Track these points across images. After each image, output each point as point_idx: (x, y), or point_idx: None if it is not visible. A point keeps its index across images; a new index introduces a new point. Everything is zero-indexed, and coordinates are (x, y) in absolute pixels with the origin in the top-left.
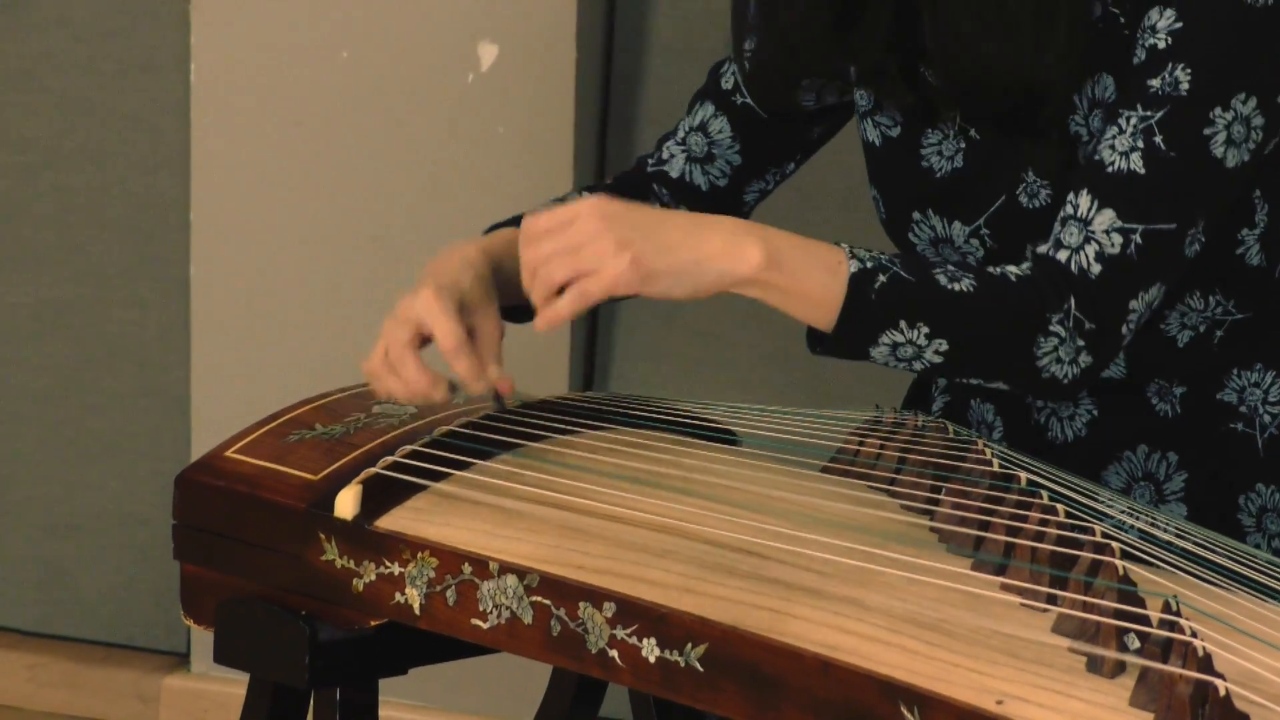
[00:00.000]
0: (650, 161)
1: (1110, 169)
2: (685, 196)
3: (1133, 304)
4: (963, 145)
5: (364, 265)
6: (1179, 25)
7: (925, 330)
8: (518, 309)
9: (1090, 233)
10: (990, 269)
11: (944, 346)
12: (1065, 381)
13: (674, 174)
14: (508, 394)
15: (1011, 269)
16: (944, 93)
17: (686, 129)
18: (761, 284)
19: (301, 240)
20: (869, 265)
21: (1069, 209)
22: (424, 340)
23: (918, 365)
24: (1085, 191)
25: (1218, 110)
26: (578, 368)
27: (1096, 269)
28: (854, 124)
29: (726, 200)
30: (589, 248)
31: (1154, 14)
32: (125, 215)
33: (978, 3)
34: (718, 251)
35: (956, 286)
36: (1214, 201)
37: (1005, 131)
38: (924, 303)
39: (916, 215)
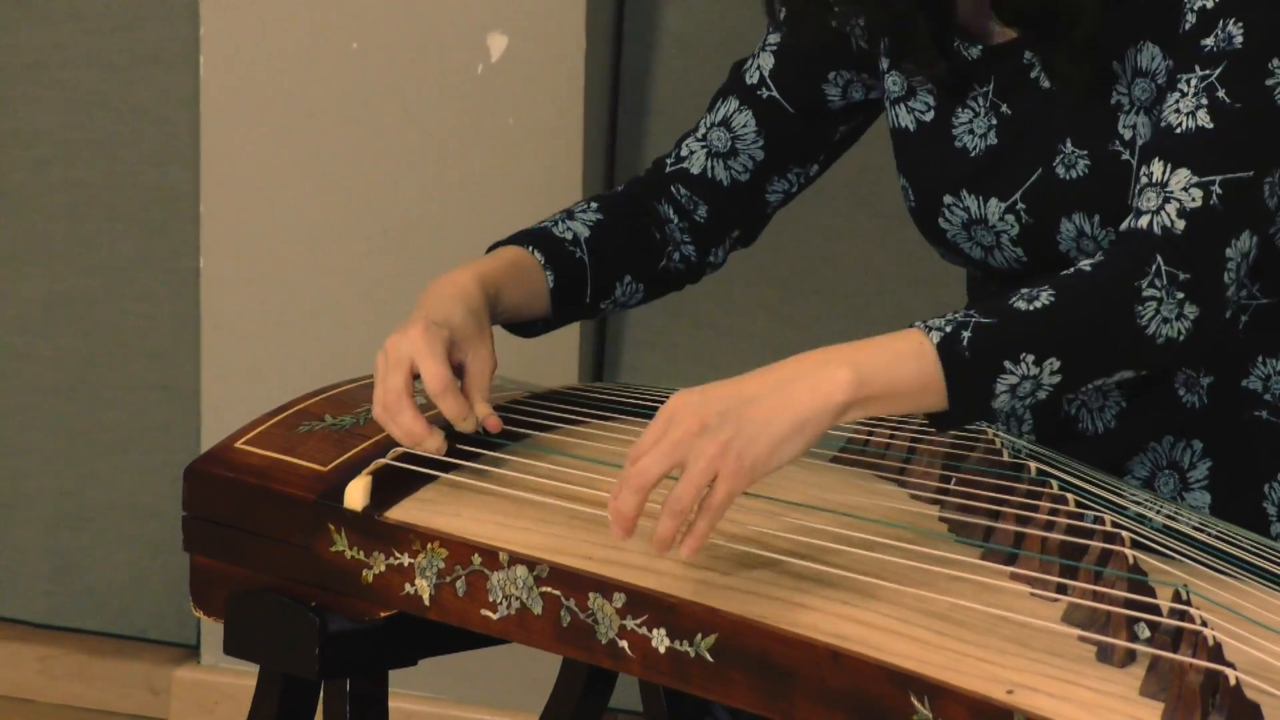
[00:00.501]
0: (669, 161)
1: (1179, 130)
2: (706, 193)
3: (1228, 251)
4: (995, 122)
5: (374, 257)
6: None
7: (1030, 359)
8: (529, 324)
9: (1169, 194)
10: (1064, 273)
11: (1056, 364)
12: (1182, 339)
13: (695, 170)
14: (495, 431)
15: (1085, 262)
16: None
17: (708, 125)
18: (861, 402)
19: (311, 233)
20: (949, 330)
21: (1143, 179)
22: (417, 376)
23: (1042, 394)
24: (1157, 159)
25: (1275, 61)
26: (587, 359)
27: (1181, 224)
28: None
29: (748, 197)
30: (695, 465)
31: None
32: (136, 208)
33: None
34: (808, 399)
35: (1037, 304)
36: None
37: (1039, 36)
38: (1016, 335)
39: (948, 199)
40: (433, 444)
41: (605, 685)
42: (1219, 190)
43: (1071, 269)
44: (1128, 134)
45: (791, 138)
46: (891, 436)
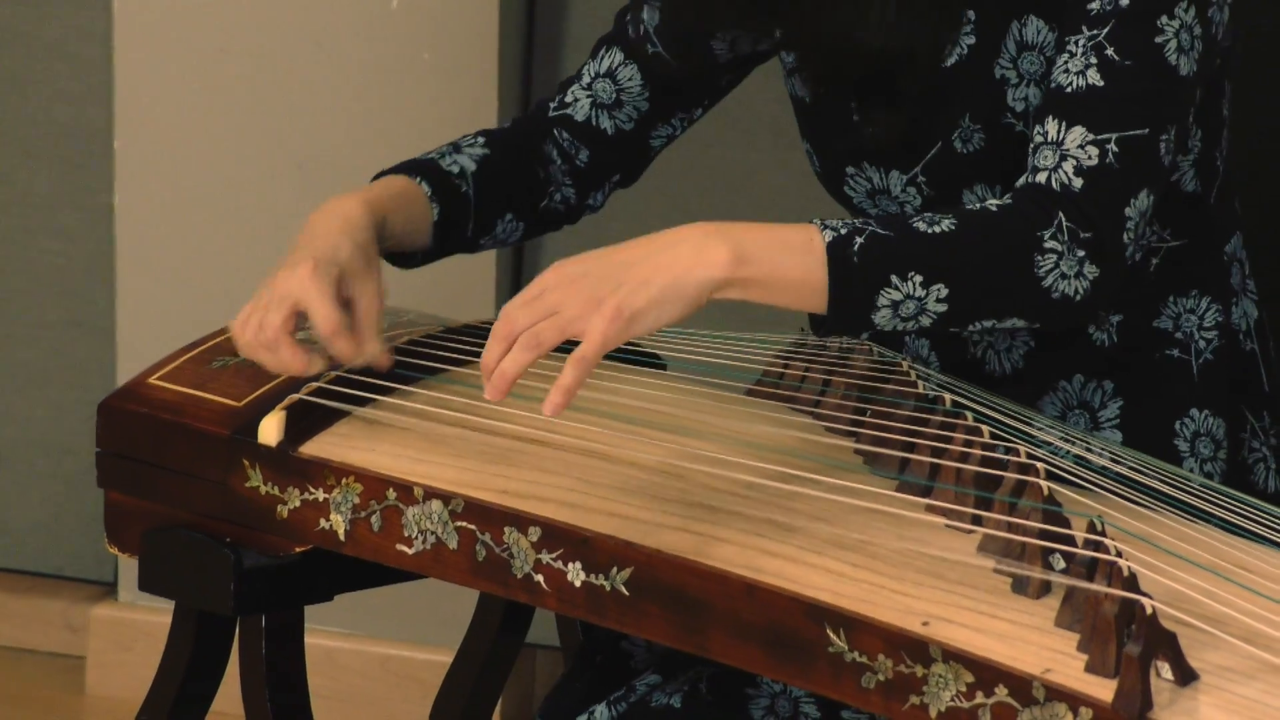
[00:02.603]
0: (552, 106)
1: (1069, 89)
2: (589, 140)
3: (1127, 210)
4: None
5: (290, 193)
6: None
7: (918, 279)
8: (409, 255)
9: (1065, 151)
10: (969, 206)
11: (944, 291)
12: (1079, 298)
13: (579, 118)
14: (386, 368)
15: (991, 201)
16: (801, 61)
17: (592, 74)
18: (740, 282)
19: (227, 168)
20: (844, 232)
21: (1038, 138)
22: (302, 317)
23: (925, 320)
24: (1050, 118)
25: (1164, 19)
26: (503, 292)
27: (1079, 182)
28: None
29: (632, 144)
30: (567, 311)
31: None
32: (49, 145)
33: None
34: (687, 264)
35: (937, 228)
36: (1178, 108)
37: (861, 98)
38: (909, 252)
39: (850, 169)
40: (314, 368)
41: (522, 620)
42: (1115, 148)
43: (978, 204)
44: (1019, 106)
45: (677, 89)
46: (806, 369)
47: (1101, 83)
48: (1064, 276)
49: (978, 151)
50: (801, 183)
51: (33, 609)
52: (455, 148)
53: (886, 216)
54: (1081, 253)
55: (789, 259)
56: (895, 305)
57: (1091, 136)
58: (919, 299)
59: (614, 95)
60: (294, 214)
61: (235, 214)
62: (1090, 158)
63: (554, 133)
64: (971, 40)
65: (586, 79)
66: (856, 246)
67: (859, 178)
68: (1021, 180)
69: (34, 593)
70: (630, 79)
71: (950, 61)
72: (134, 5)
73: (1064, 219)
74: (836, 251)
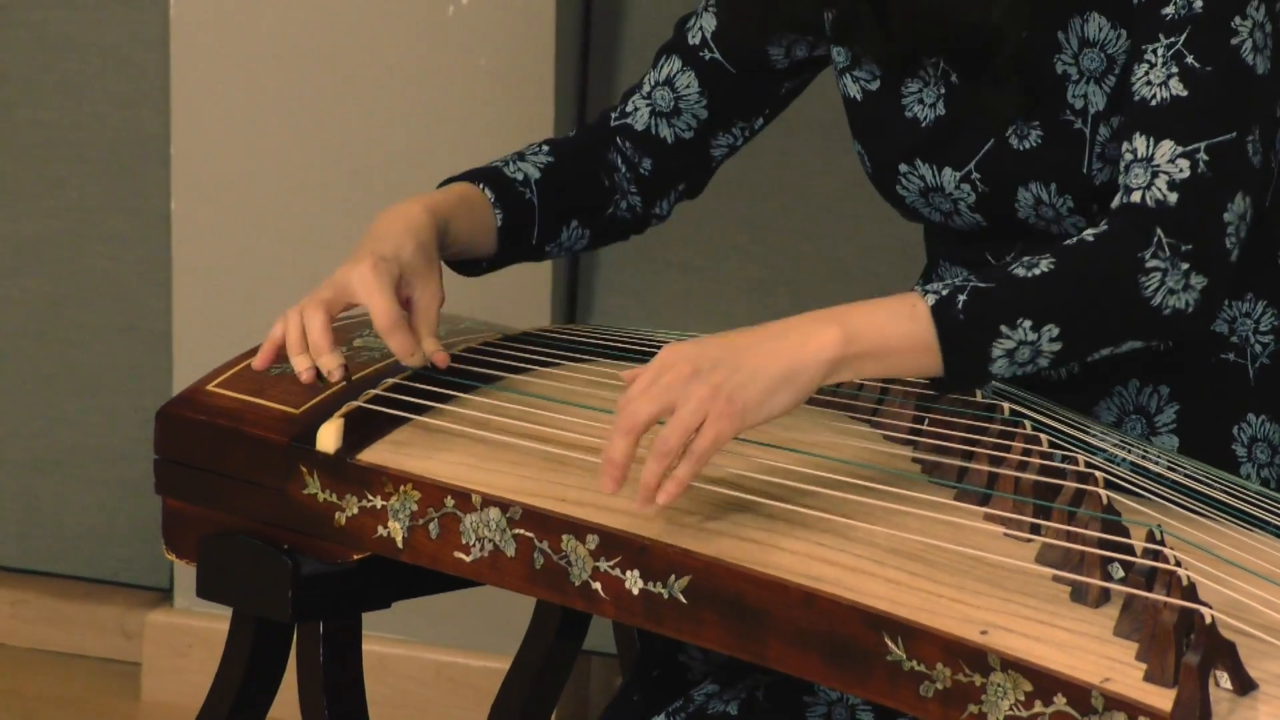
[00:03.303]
0: (614, 115)
1: (1154, 102)
2: (650, 150)
3: (1225, 216)
4: (944, 91)
5: (345, 199)
6: None
7: (1028, 324)
8: (474, 262)
9: (1155, 168)
10: (1066, 242)
11: (1055, 331)
12: (1190, 309)
13: (639, 127)
14: (443, 367)
15: (1088, 231)
16: (900, 36)
17: (652, 83)
18: (851, 359)
19: (282, 174)
20: (945, 293)
21: (1127, 156)
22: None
23: (1043, 361)
24: (1138, 134)
25: (1237, 20)
26: (560, 300)
27: (1173, 196)
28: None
29: (693, 153)
30: (685, 406)
31: None
32: (105, 150)
33: None
34: (798, 350)
35: (1036, 271)
36: (1261, 108)
37: (966, 75)
38: (1013, 299)
39: (904, 167)
40: (331, 361)
41: (579, 628)
42: (1205, 157)
43: (1074, 238)
44: (1079, 103)
45: (736, 97)
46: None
47: (1185, 92)
48: (1171, 292)
49: (1035, 149)
50: (853, 189)
51: (88, 615)
52: (519, 156)
53: (985, 271)
54: (1185, 265)
55: (895, 327)
56: (1010, 353)
57: (1181, 149)
58: (1032, 343)
59: (672, 103)
60: (349, 221)
61: (290, 220)
62: (1182, 170)
63: (617, 141)
64: (1024, 31)
65: (646, 88)
66: (960, 304)
67: (911, 175)
68: (1116, 200)
69: (89, 598)
70: (688, 86)
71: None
72: (190, 10)
73: (1162, 235)
74: (942, 312)
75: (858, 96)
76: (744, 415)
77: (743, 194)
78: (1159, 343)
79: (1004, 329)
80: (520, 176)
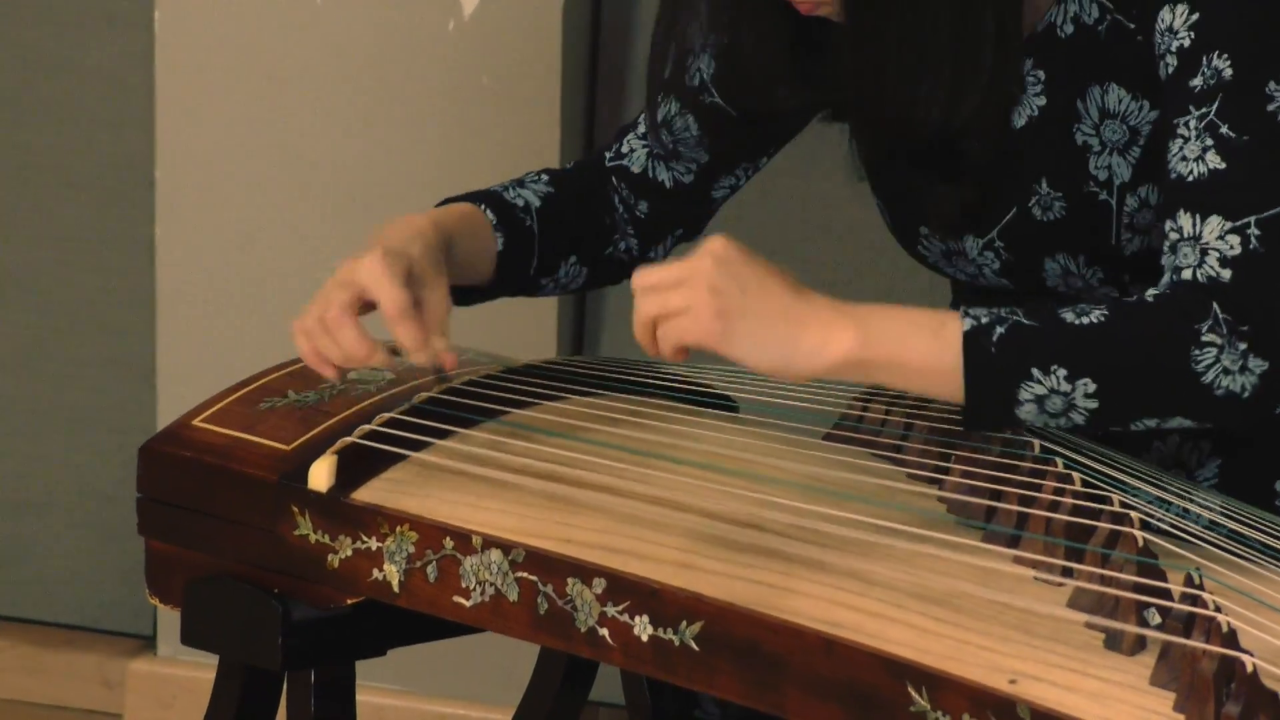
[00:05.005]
0: (609, 155)
1: (1191, 179)
2: (647, 193)
3: None
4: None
5: (340, 225)
6: (1196, 16)
7: (1063, 373)
8: (467, 290)
9: (1205, 246)
10: (1124, 298)
11: (1091, 387)
12: (1246, 394)
13: (635, 170)
14: (451, 368)
15: (1149, 291)
16: (861, 134)
17: (649, 124)
18: (862, 365)
19: (273, 200)
20: (984, 321)
21: (1172, 235)
22: (365, 307)
23: (1077, 417)
24: (1181, 212)
25: (1271, 85)
26: (566, 331)
27: (1227, 274)
28: None
29: (693, 197)
30: (682, 295)
31: (1165, 15)
32: (87, 174)
33: (896, 44)
34: (805, 347)
35: (1086, 319)
36: None
37: (927, 170)
38: (1052, 344)
39: (924, 229)
40: (377, 358)
41: (585, 676)
42: (1256, 231)
43: (1134, 295)
44: (1102, 175)
45: (739, 140)
46: (887, 412)
47: (1224, 165)
48: (1227, 372)
49: (1059, 220)
50: (877, 220)
51: (67, 664)
52: (519, 183)
53: (1034, 306)
54: (1243, 345)
55: (916, 341)
56: (1040, 400)
57: (1230, 225)
58: (1065, 394)
59: (671, 146)
60: (343, 248)
61: (283, 248)
62: (1232, 247)
63: (613, 181)
64: (1042, 101)
65: (642, 128)
66: (996, 336)
67: (932, 239)
68: (1166, 279)
69: (69, 646)
70: (686, 130)
71: (1020, 123)
72: (177, 29)
73: (1219, 310)
74: (974, 341)
75: (872, 159)
76: (721, 343)
77: (761, 222)
78: (1211, 425)
79: (1036, 373)
80: (521, 203)
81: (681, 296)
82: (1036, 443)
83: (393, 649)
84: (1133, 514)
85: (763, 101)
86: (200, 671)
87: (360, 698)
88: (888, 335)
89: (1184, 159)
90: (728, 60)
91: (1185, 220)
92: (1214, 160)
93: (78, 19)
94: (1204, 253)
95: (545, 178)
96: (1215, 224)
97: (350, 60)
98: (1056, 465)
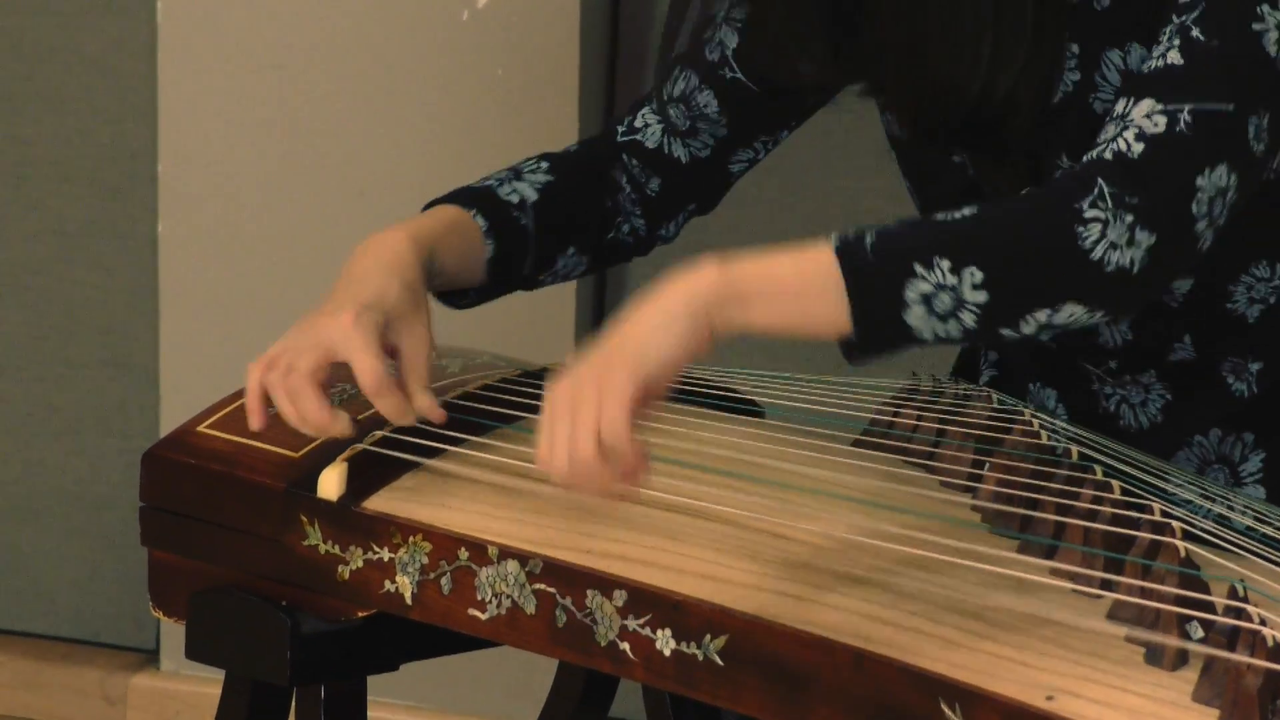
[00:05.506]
0: (621, 130)
1: (1145, 71)
2: (661, 169)
3: (1198, 180)
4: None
5: (350, 221)
6: None
7: (945, 265)
8: (460, 293)
9: (1128, 121)
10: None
11: (979, 277)
12: (1135, 269)
13: (650, 145)
14: (440, 423)
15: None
16: (897, 109)
17: (665, 98)
18: (733, 300)
19: (280, 196)
20: (851, 235)
21: (1107, 122)
22: (332, 370)
23: (968, 317)
24: (1120, 99)
25: (1265, 7)
26: (584, 333)
27: (1139, 148)
28: None
29: (709, 172)
30: (580, 412)
31: None
32: (86, 167)
33: (937, 12)
34: (669, 295)
35: (957, 215)
36: (1273, 96)
37: (968, 148)
38: (929, 238)
39: None
40: (338, 428)
41: (605, 692)
42: (1188, 118)
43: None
44: None
45: (759, 115)
46: (919, 418)
47: (1181, 61)
48: (1114, 246)
49: None
50: (902, 205)
51: (66, 678)
52: (515, 173)
53: (900, 219)
54: (1130, 218)
55: (786, 268)
56: (928, 299)
57: (1160, 106)
58: (953, 288)
59: (688, 123)
60: (354, 244)
61: (290, 244)
62: (1156, 125)
63: (623, 158)
64: (1076, 76)
65: (658, 103)
66: (869, 243)
67: None
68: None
69: (68, 660)
70: (706, 105)
71: (1056, 99)
72: (180, 16)
73: (1104, 184)
74: (848, 250)
75: (900, 135)
76: (629, 366)
77: (786, 208)
78: (1104, 313)
79: (918, 267)
80: (516, 199)
81: (575, 404)
82: (1075, 449)
83: (405, 664)
84: (1174, 523)
85: (790, 75)
86: (205, 687)
87: (372, 714)
88: (754, 268)
89: (1150, 58)
90: (755, 32)
91: (1120, 103)
92: (1174, 57)
93: (77, 6)
94: (1124, 128)
95: (545, 165)
96: (1147, 105)
97: (360, 51)
98: (1095, 473)
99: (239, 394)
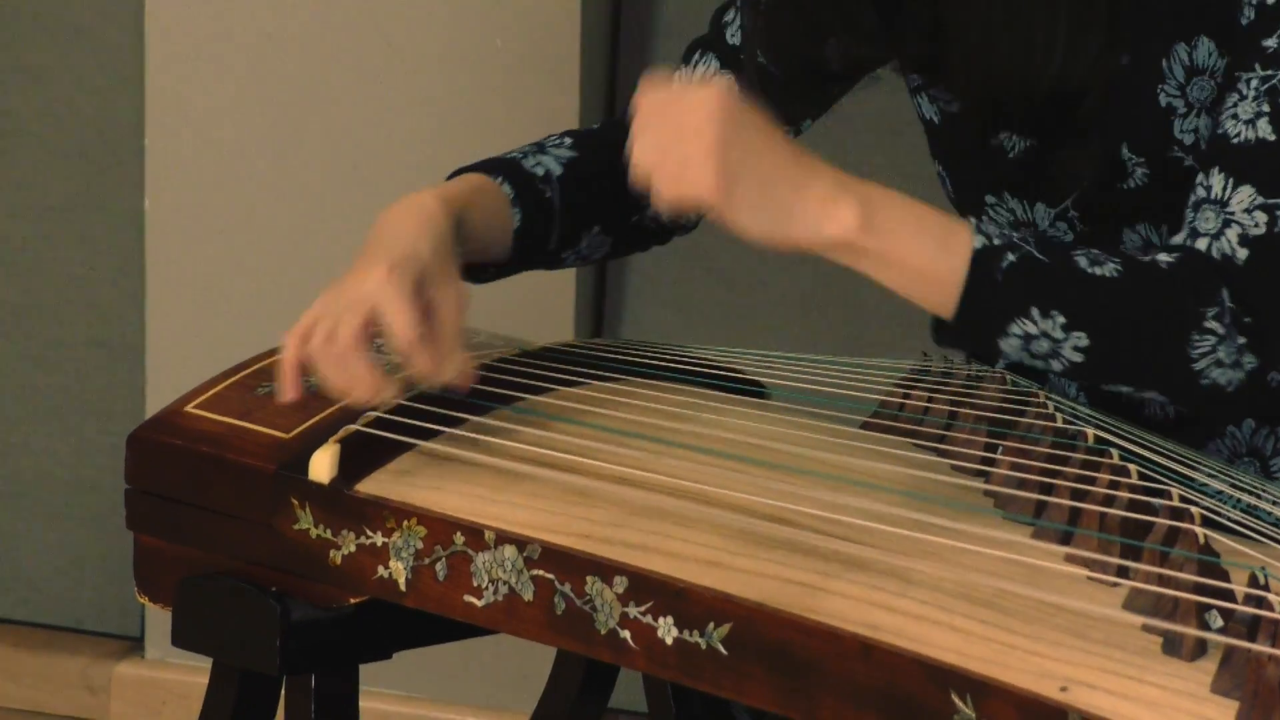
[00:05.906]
0: None
1: (1236, 140)
2: None
3: None
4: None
5: (343, 198)
6: None
7: (1061, 321)
8: (482, 266)
9: (1229, 215)
10: (1140, 255)
11: (1083, 341)
12: (1230, 389)
13: None
14: (466, 389)
15: (1162, 255)
16: (958, 91)
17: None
18: (855, 250)
19: (272, 170)
20: (996, 242)
21: (1200, 192)
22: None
23: (1056, 364)
24: (1215, 170)
25: None
26: (585, 312)
27: (1243, 254)
28: None
29: None
30: (685, 148)
31: None
32: (71, 142)
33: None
34: (812, 202)
35: (1099, 270)
36: None
37: (1039, 137)
38: (1059, 287)
39: (990, 198)
40: (389, 393)
41: (605, 682)
42: None
43: (1149, 255)
44: (1188, 138)
45: (780, 103)
46: (930, 399)
47: (1274, 137)
48: (1219, 364)
49: (1141, 187)
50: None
51: (49, 667)
52: (539, 148)
53: (1051, 240)
54: (1242, 340)
55: (922, 243)
56: (1027, 339)
57: (1260, 200)
58: (1055, 340)
59: None
60: (347, 222)
61: (281, 221)
62: (1257, 225)
63: None
64: (1125, 59)
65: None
66: (1005, 264)
67: (1000, 208)
68: (1180, 237)
69: (50, 648)
70: None
71: (1119, 86)
72: None
73: (1228, 298)
74: (982, 261)
75: (935, 119)
76: (720, 203)
77: None
78: (1179, 406)
79: (1034, 311)
80: (541, 172)
81: (682, 149)
82: (1091, 432)
83: (399, 652)
84: (1193, 509)
85: (830, 56)
86: (192, 675)
87: (364, 704)
88: (891, 228)
89: (1234, 117)
90: (793, 12)
91: (1217, 180)
92: (1265, 129)
93: None
94: (1226, 223)
95: (569, 140)
96: (1246, 195)
97: (356, 22)
98: (1112, 457)
99: (228, 373)
